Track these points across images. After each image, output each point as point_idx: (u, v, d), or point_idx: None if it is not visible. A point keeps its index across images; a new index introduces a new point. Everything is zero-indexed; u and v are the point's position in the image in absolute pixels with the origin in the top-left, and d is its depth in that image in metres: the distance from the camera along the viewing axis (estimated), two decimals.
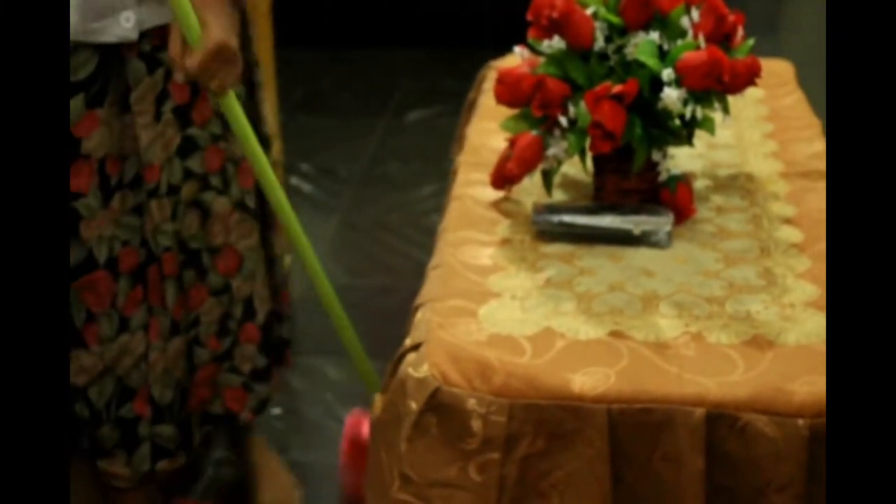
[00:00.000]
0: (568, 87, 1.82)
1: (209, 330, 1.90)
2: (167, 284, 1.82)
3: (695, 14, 1.85)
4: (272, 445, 2.27)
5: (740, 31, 1.90)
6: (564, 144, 1.84)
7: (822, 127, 2.21)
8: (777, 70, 2.45)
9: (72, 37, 1.63)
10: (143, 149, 1.74)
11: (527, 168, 1.89)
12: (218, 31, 1.61)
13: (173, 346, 1.85)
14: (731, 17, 1.87)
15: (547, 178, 1.90)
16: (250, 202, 1.90)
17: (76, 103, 1.68)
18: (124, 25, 1.67)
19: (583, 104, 1.78)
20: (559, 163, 1.89)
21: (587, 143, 1.80)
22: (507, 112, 1.94)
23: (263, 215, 1.96)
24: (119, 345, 1.82)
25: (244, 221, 1.90)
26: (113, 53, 1.70)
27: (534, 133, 1.87)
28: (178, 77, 1.70)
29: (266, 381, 2.01)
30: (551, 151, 1.86)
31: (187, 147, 1.81)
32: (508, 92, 1.88)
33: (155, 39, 1.72)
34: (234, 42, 1.65)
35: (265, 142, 1.91)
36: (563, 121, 1.81)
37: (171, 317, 1.84)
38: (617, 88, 1.76)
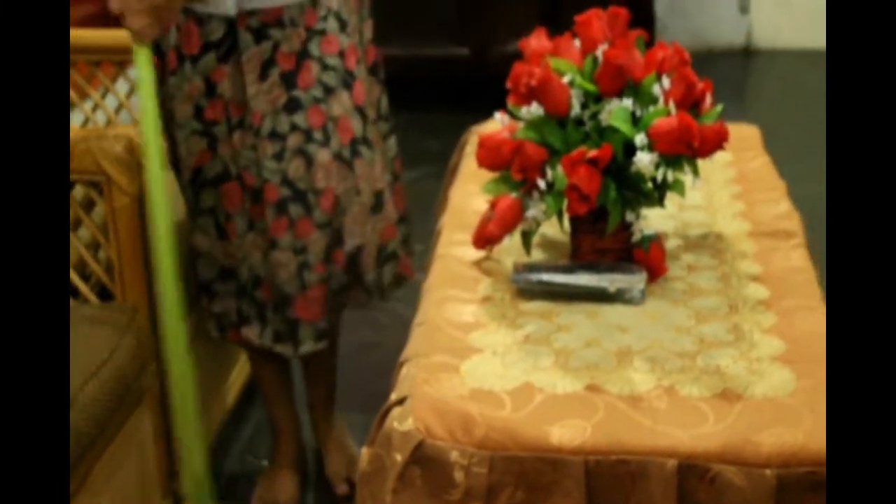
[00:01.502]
0: (546, 152, 1.83)
1: (317, 257, 2.10)
2: (267, 210, 2.06)
3: (666, 82, 1.86)
4: None
5: (709, 98, 1.90)
6: (543, 206, 1.84)
7: (786, 189, 2.22)
8: (744, 134, 2.45)
9: (191, 7, 1.96)
10: (249, 98, 2.02)
11: (507, 229, 1.89)
12: None
13: (274, 256, 2.09)
14: (700, 85, 1.87)
15: (526, 238, 1.90)
16: (346, 154, 2.10)
17: (211, 57, 2.02)
18: (228, 4, 1.97)
19: (560, 168, 1.79)
20: (538, 224, 1.89)
21: (564, 204, 1.81)
22: (488, 175, 1.95)
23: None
24: (248, 240, 2.10)
25: (341, 169, 2.09)
26: (233, 26, 2.00)
27: (514, 195, 1.88)
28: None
29: (344, 292, 2.20)
30: (530, 213, 1.87)
31: (292, 105, 2.04)
32: (489, 156, 1.89)
33: (264, 17, 2.00)
34: None
35: (391, 132, 2.32)
36: (542, 184, 1.82)
37: (269, 235, 2.08)
38: (592, 153, 1.77)
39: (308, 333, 2.16)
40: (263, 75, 2.02)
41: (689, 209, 2.14)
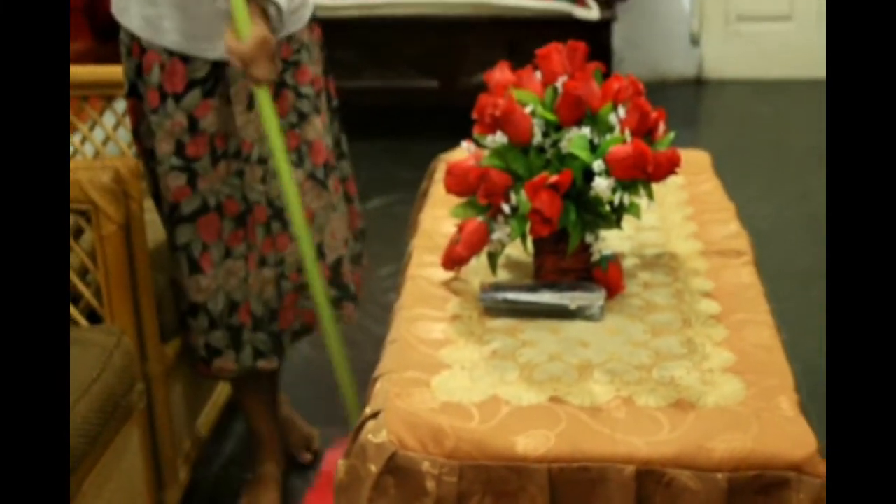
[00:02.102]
0: (510, 178, 1.83)
1: (291, 268, 2.15)
2: (257, 228, 2.11)
3: (621, 111, 1.87)
4: None
5: (662, 126, 1.91)
6: (507, 229, 1.84)
7: (735, 210, 2.23)
8: (695, 159, 2.46)
9: (179, 50, 1.99)
10: (239, 128, 2.05)
11: (474, 251, 1.89)
12: (261, 29, 1.93)
13: (263, 274, 2.13)
14: (654, 114, 1.88)
15: (492, 259, 1.90)
16: (319, 175, 2.16)
17: (195, 94, 2.02)
18: (222, 50, 1.97)
19: (523, 193, 1.80)
20: (503, 245, 1.89)
21: (527, 227, 1.81)
22: (456, 200, 1.95)
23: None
24: (225, 268, 2.11)
25: (315, 188, 2.15)
26: (220, 62, 2.02)
27: (480, 219, 1.88)
28: (234, 62, 1.95)
29: (336, 307, 2.23)
30: (496, 235, 1.86)
31: None
32: (457, 183, 1.90)
33: None
34: (272, 41, 1.95)
35: (343, 155, 2.33)
36: (506, 208, 1.82)
37: (260, 252, 2.13)
38: (553, 179, 1.77)
39: (288, 340, 2.22)
40: (250, 105, 2.06)
41: (645, 230, 2.14)
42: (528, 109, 1.85)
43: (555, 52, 1.91)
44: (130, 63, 2.07)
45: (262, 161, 2.09)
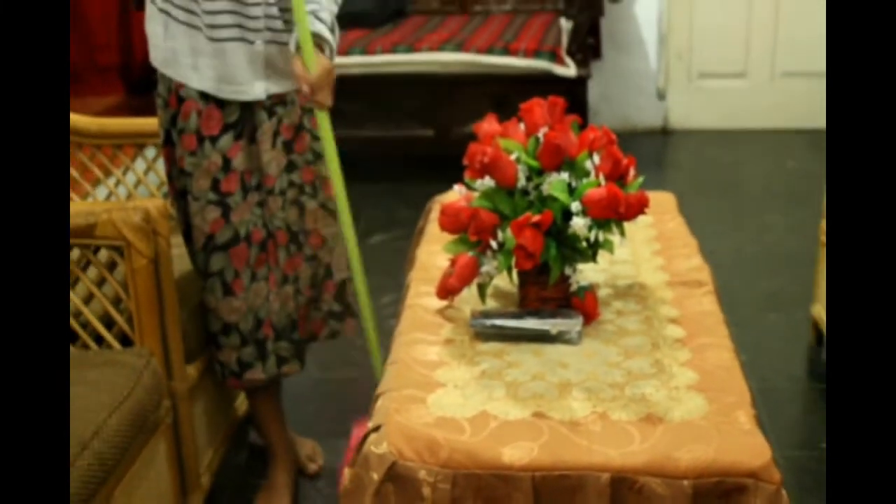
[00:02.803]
0: (497, 217, 1.83)
1: (305, 283, 2.21)
2: (279, 251, 2.15)
3: (596, 158, 1.87)
4: None
5: (632, 171, 1.91)
6: (495, 263, 1.85)
7: (697, 245, 2.23)
8: (662, 200, 2.47)
9: (217, 94, 2.02)
10: (265, 164, 2.09)
11: (465, 282, 1.89)
12: (325, 60, 2.05)
13: (284, 290, 2.17)
14: (625, 161, 1.88)
15: (481, 289, 1.90)
16: (331, 205, 2.21)
17: (229, 137, 2.05)
18: (257, 92, 2.05)
19: (509, 231, 1.80)
20: (491, 277, 1.89)
21: (513, 261, 1.81)
22: (449, 237, 1.95)
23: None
24: (253, 290, 2.13)
25: (326, 217, 2.22)
26: (248, 107, 2.06)
27: (470, 254, 1.88)
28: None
29: (339, 320, 2.30)
30: (484, 268, 1.87)
31: (290, 167, 2.15)
32: (450, 221, 1.89)
33: (275, 98, 2.09)
34: (334, 71, 2.08)
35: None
36: (494, 244, 1.82)
37: (282, 272, 2.16)
38: (536, 218, 1.77)
39: (304, 348, 2.26)
40: (273, 144, 2.10)
41: (618, 263, 2.14)
42: (513, 156, 1.85)
43: (536, 106, 1.92)
44: (166, 114, 2.08)
45: (282, 192, 2.13)
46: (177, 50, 2.03)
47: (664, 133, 5.12)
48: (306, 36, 2.01)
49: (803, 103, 4.98)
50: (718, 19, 5.00)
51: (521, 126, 1.93)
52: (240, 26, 2.01)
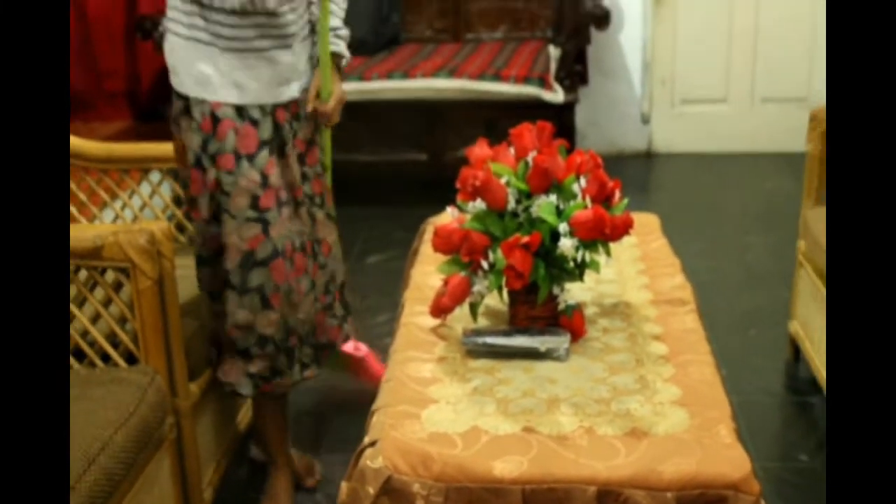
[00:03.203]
0: (488, 239, 1.84)
1: (320, 290, 2.21)
2: (308, 260, 2.14)
3: (583, 181, 1.88)
4: None
5: (618, 193, 1.92)
6: (486, 282, 1.85)
7: (680, 265, 2.24)
8: (646, 221, 2.48)
9: (256, 101, 2.02)
10: (295, 178, 2.10)
11: (458, 301, 1.90)
12: (339, 88, 2.15)
13: (308, 298, 2.15)
14: (611, 184, 1.90)
15: (473, 308, 1.91)
16: (333, 214, 2.25)
17: (265, 154, 2.04)
18: (293, 91, 2.08)
19: (500, 251, 1.80)
20: (482, 297, 1.90)
21: (503, 281, 1.82)
22: (442, 258, 1.96)
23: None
24: (287, 301, 2.10)
25: (329, 224, 2.24)
26: (277, 124, 2.06)
27: (462, 274, 1.88)
28: (321, 119, 2.15)
29: (343, 322, 2.30)
30: (476, 288, 1.87)
31: (303, 178, 2.15)
32: (443, 243, 1.90)
33: (292, 108, 2.09)
34: (346, 95, 2.18)
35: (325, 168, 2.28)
36: (485, 265, 1.83)
37: (310, 278, 2.15)
38: (525, 239, 1.78)
39: (322, 353, 2.25)
40: (300, 160, 2.13)
41: (604, 282, 2.15)
42: (503, 180, 1.86)
43: (526, 131, 1.93)
44: (198, 137, 2.02)
45: (310, 201, 2.16)
46: (210, 73, 2.00)
47: (648, 156, 5.13)
48: (326, 59, 2.07)
49: (781, 128, 5.01)
50: (700, 47, 5.02)
51: (511, 150, 1.94)
52: (272, 36, 2.02)
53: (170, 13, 2.02)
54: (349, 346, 2.41)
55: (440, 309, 1.93)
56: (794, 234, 2.93)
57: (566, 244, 1.80)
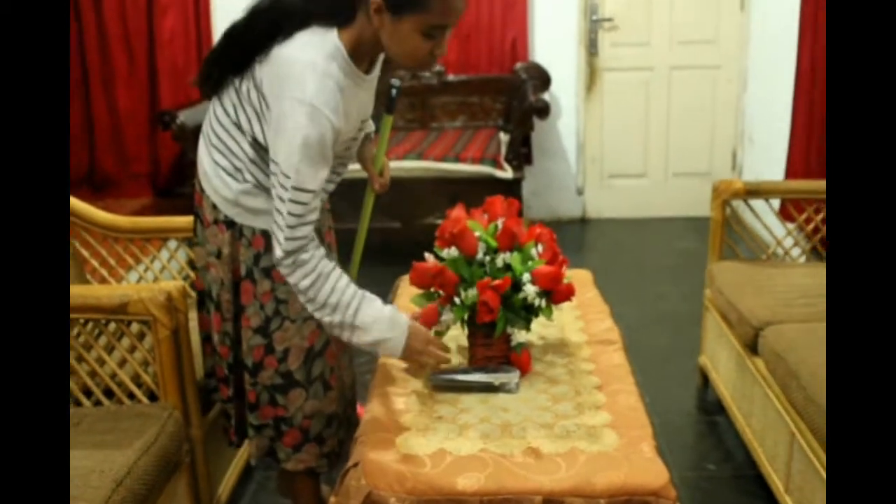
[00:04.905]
0: (458, 278, 1.83)
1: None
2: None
3: (540, 248, 1.88)
4: None
5: (565, 268, 1.89)
6: (452, 315, 1.84)
7: (609, 311, 2.25)
8: (581, 276, 2.49)
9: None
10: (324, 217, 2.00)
11: (429, 325, 1.85)
12: (384, 159, 2.07)
13: (345, 361, 1.97)
14: (560, 257, 1.89)
15: (439, 335, 1.87)
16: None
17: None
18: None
19: (473, 290, 1.79)
20: (448, 327, 1.87)
21: (466, 315, 1.80)
22: (412, 307, 1.95)
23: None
24: (339, 378, 1.94)
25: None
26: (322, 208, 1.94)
27: (433, 303, 1.86)
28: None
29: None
30: (444, 318, 1.85)
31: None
32: (418, 277, 1.87)
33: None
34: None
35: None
36: (457, 300, 1.82)
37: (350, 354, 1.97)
38: (497, 282, 1.78)
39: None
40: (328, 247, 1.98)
41: (547, 326, 2.15)
42: (476, 233, 1.85)
43: (498, 202, 1.94)
44: (249, 252, 1.80)
45: None
46: (266, 208, 1.78)
47: (582, 222, 5.18)
48: (383, 148, 2.06)
49: (690, 197, 5.09)
50: (623, 132, 5.11)
51: (485, 216, 1.93)
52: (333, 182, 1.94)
53: (235, 161, 1.77)
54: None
55: None
56: (701, 284, 2.97)
57: (530, 289, 1.80)
